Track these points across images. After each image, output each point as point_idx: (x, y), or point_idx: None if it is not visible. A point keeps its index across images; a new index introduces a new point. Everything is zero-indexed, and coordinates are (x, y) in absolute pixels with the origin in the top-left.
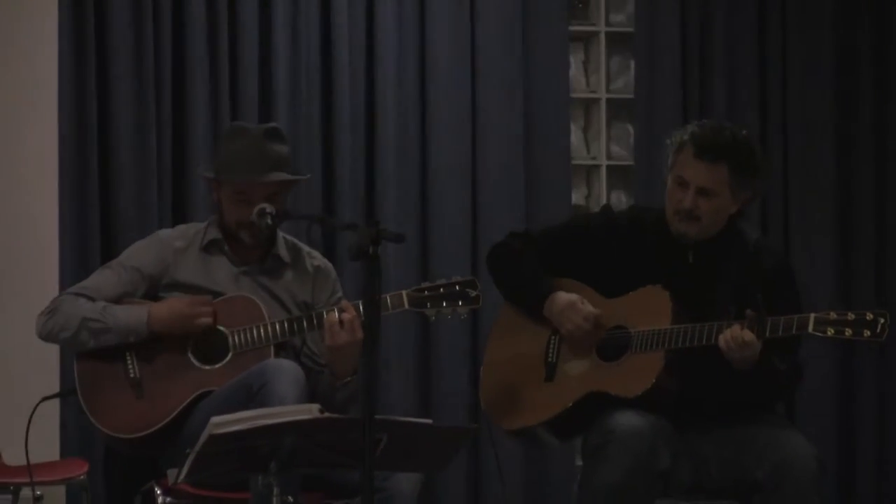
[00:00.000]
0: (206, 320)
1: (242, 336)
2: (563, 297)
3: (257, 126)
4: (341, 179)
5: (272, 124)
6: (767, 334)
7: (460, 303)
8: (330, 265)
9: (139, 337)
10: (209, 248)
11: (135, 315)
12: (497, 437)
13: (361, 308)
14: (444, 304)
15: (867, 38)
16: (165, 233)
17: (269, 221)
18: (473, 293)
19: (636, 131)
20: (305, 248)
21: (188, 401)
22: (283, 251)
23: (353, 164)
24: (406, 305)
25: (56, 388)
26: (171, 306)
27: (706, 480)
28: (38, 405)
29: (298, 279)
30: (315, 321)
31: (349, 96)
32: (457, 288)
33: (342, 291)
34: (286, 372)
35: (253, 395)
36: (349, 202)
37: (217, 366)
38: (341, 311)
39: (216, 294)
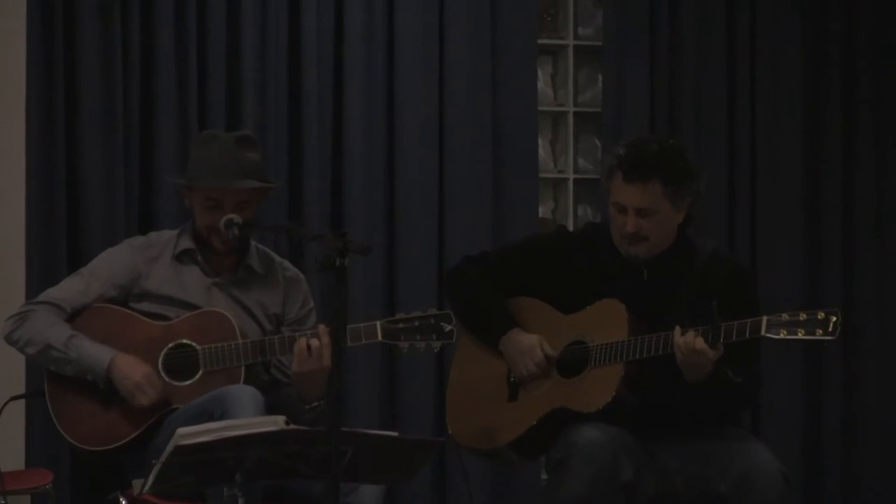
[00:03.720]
0: (143, 403)
1: (213, 354)
2: (522, 339)
3: (229, 133)
4: (308, 190)
5: (244, 132)
6: (722, 339)
7: (434, 337)
8: (301, 276)
9: (95, 378)
10: (182, 257)
11: (97, 358)
12: (463, 453)
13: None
14: (418, 338)
15: (836, 50)
16: (138, 241)
17: (236, 232)
18: (448, 328)
19: (603, 145)
20: (277, 258)
21: (155, 417)
22: (255, 262)
23: (320, 175)
24: (379, 337)
25: (21, 389)
26: (129, 371)
27: (671, 493)
28: (6, 404)
29: (270, 291)
30: (287, 345)
31: (317, 107)
32: (432, 321)
33: (313, 302)
34: (245, 399)
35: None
36: (316, 213)
37: (186, 383)
38: (314, 335)
39: (187, 305)
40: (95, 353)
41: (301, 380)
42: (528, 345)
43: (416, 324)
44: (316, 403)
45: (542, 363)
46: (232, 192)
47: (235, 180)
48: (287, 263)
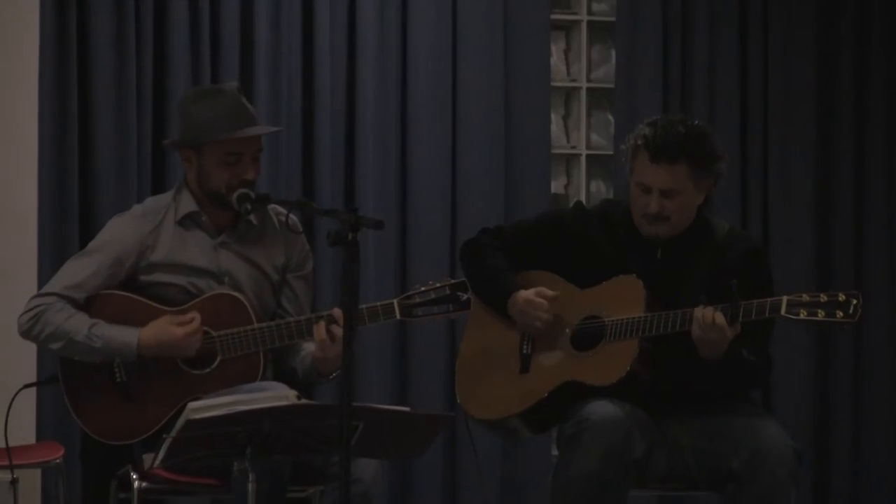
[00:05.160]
0: (196, 346)
1: (230, 341)
2: (522, 295)
3: (225, 85)
4: (321, 166)
5: (235, 82)
6: (741, 318)
7: (451, 307)
8: (295, 219)
9: (126, 360)
10: (184, 222)
11: (123, 340)
12: (473, 426)
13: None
14: (435, 310)
15: (849, 30)
16: (138, 210)
17: (249, 207)
18: (464, 297)
19: (616, 120)
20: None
21: (176, 409)
22: (252, 214)
23: (332, 151)
24: (398, 315)
25: (33, 374)
26: (161, 335)
27: (682, 470)
28: (18, 392)
29: (271, 241)
30: (305, 328)
31: (329, 82)
32: (447, 291)
33: (308, 245)
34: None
35: None
36: (328, 189)
37: (206, 370)
38: (331, 320)
39: (197, 270)
40: (120, 336)
41: (321, 362)
42: (525, 299)
43: (433, 296)
44: (333, 375)
45: (547, 308)
46: (253, 141)
47: (259, 127)
48: (278, 208)
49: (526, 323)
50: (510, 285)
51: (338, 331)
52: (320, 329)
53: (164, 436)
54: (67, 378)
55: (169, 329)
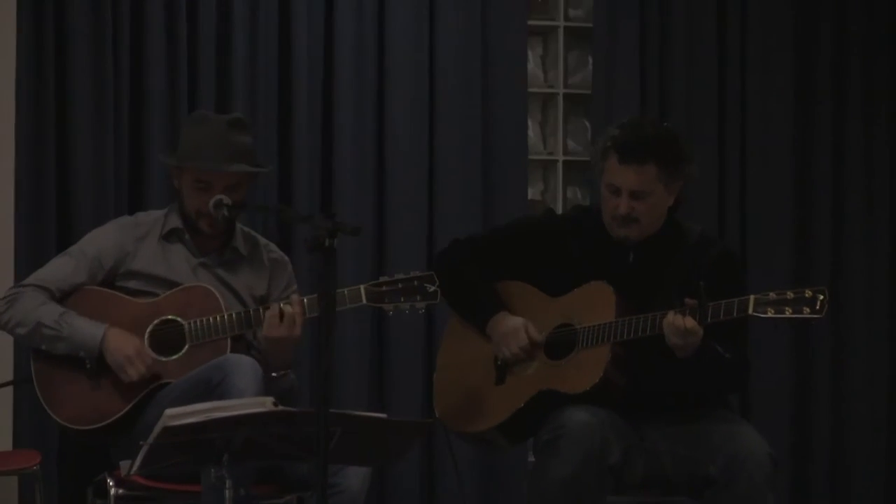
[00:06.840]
0: (132, 377)
1: (199, 327)
2: (507, 322)
3: (221, 115)
4: (298, 171)
5: (236, 114)
6: (710, 319)
7: (418, 298)
8: (286, 258)
9: (89, 354)
10: (169, 236)
11: (90, 333)
12: (451, 437)
13: (308, 302)
14: (402, 300)
15: (828, 34)
16: (125, 220)
17: (226, 213)
18: (431, 288)
19: (593, 127)
20: (262, 240)
21: (143, 393)
22: (240, 244)
23: (310, 157)
24: (364, 300)
25: (9, 376)
26: (120, 345)
27: (659, 475)
28: None
29: (255, 273)
30: (263, 315)
31: (307, 87)
32: (415, 283)
33: (297, 284)
34: (245, 367)
35: (212, 389)
36: (306, 194)
37: (173, 357)
38: (287, 302)
39: (175, 284)
40: (88, 328)
41: (269, 345)
42: (513, 327)
43: (400, 286)
44: (282, 373)
45: (526, 346)
46: (222, 175)
47: (226, 163)
48: (272, 245)
49: (500, 347)
50: (491, 307)
51: (289, 310)
52: (273, 307)
53: (141, 442)
54: (39, 370)
55: (131, 344)
